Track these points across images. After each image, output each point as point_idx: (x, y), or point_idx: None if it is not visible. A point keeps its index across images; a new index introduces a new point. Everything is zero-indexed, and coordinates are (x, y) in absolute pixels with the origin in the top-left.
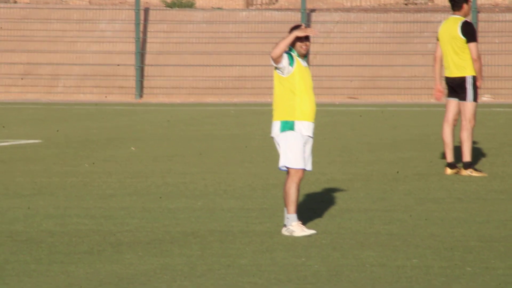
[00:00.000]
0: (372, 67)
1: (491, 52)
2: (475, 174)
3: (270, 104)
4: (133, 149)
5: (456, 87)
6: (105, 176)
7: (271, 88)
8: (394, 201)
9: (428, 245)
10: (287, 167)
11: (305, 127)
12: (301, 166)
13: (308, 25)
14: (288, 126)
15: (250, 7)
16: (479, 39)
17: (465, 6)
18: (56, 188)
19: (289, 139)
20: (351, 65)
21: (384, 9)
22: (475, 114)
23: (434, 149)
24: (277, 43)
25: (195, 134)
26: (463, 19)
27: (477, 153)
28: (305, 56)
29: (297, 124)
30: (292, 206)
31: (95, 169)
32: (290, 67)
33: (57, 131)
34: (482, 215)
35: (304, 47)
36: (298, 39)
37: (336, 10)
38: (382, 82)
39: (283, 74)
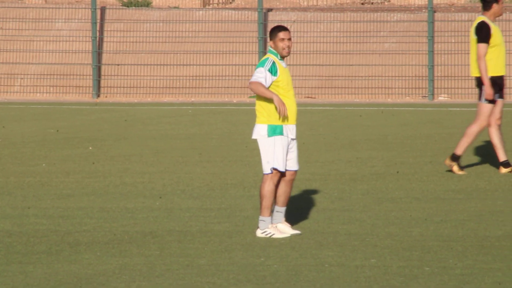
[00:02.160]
0: (329, 67)
1: (447, 52)
2: (455, 169)
3: (227, 104)
4: (91, 148)
5: (477, 87)
6: (62, 176)
7: (229, 87)
8: (352, 200)
9: (387, 245)
10: (275, 170)
11: (290, 130)
12: (282, 169)
13: (265, 24)
14: (278, 130)
15: (207, 6)
16: (435, 38)
17: (494, 6)
18: (14, 188)
19: (277, 144)
20: (308, 65)
21: (341, 9)
22: (489, 115)
23: (392, 149)
24: (257, 84)
25: (152, 134)
26: (482, 19)
27: (435, 153)
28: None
29: (285, 128)
30: (266, 209)
31: (52, 168)
32: (273, 77)
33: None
34: (440, 214)
35: (286, 49)
36: (281, 40)
37: (293, 9)
38: (339, 82)
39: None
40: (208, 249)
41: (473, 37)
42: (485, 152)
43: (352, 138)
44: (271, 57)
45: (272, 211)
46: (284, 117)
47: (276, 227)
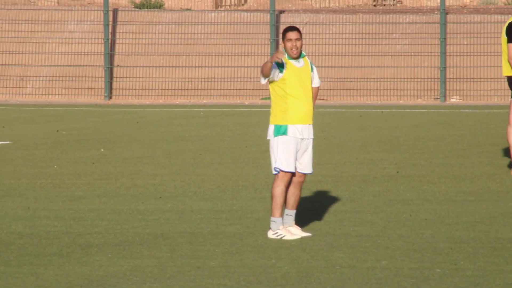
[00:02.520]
0: (341, 68)
1: (460, 54)
2: None
3: (238, 106)
4: (102, 150)
5: (509, 86)
6: (74, 178)
7: (240, 89)
8: (363, 202)
9: (398, 247)
10: (279, 170)
11: (298, 130)
12: (291, 170)
13: (277, 26)
14: (281, 130)
15: (219, 8)
16: (447, 40)
17: None
18: (25, 189)
19: (281, 143)
20: (320, 66)
21: (353, 10)
22: None
23: (403, 151)
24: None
25: (164, 136)
26: None
27: (446, 155)
28: (299, 56)
29: (290, 128)
30: (276, 210)
31: (64, 170)
32: (280, 74)
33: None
34: (451, 216)
35: (294, 50)
36: (288, 40)
37: (305, 11)
38: (351, 84)
39: (273, 79)
40: (219, 251)
41: (504, 37)
42: (496, 154)
43: (364, 140)
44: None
45: (283, 212)
46: (278, 59)
47: (287, 229)
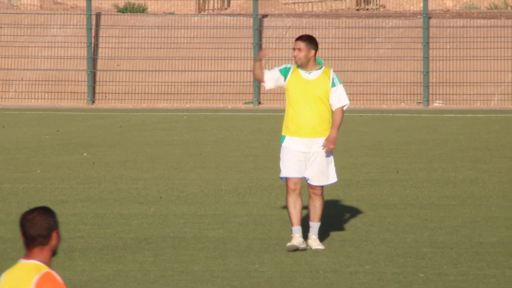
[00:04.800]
0: None
1: (442, 58)
2: None
3: (222, 110)
4: (85, 154)
5: None
6: (57, 182)
7: (224, 93)
8: (346, 207)
9: (381, 251)
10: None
11: (296, 143)
12: (288, 175)
13: (260, 30)
14: (282, 140)
15: (202, 12)
16: (430, 44)
17: None
18: (8, 194)
19: (281, 152)
20: None
21: (336, 15)
22: None
23: (386, 155)
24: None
25: (147, 140)
26: None
27: (429, 159)
28: (314, 67)
29: (287, 140)
30: (290, 218)
31: (47, 175)
32: (284, 82)
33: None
34: (434, 221)
35: (297, 59)
36: (293, 50)
37: (288, 15)
38: None
39: (282, 86)
40: (203, 256)
41: None
42: (479, 158)
43: (347, 144)
44: (292, 65)
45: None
46: (260, 58)
47: (310, 239)
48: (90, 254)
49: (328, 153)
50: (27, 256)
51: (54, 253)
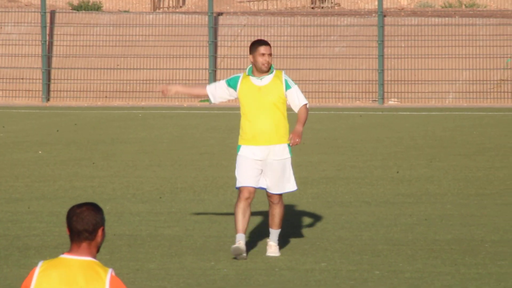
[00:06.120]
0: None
1: (397, 56)
2: None
3: (177, 108)
4: (40, 152)
5: None
6: (11, 180)
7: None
8: (302, 204)
9: (337, 249)
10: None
11: (252, 151)
12: (241, 185)
13: (215, 28)
14: (238, 149)
15: (157, 10)
16: (385, 42)
17: None
18: None
19: (237, 162)
20: None
21: (291, 13)
22: None
23: (342, 153)
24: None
25: (102, 138)
26: None
27: (384, 157)
28: (268, 72)
29: (243, 149)
30: (235, 224)
31: (1, 173)
32: (230, 88)
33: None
34: (389, 218)
35: (266, 64)
36: (260, 55)
37: (243, 13)
38: None
39: (235, 97)
40: (158, 253)
41: None
42: (434, 156)
43: (303, 142)
44: (243, 73)
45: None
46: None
47: (268, 244)
48: (46, 252)
49: (285, 162)
50: (74, 251)
51: (98, 250)
